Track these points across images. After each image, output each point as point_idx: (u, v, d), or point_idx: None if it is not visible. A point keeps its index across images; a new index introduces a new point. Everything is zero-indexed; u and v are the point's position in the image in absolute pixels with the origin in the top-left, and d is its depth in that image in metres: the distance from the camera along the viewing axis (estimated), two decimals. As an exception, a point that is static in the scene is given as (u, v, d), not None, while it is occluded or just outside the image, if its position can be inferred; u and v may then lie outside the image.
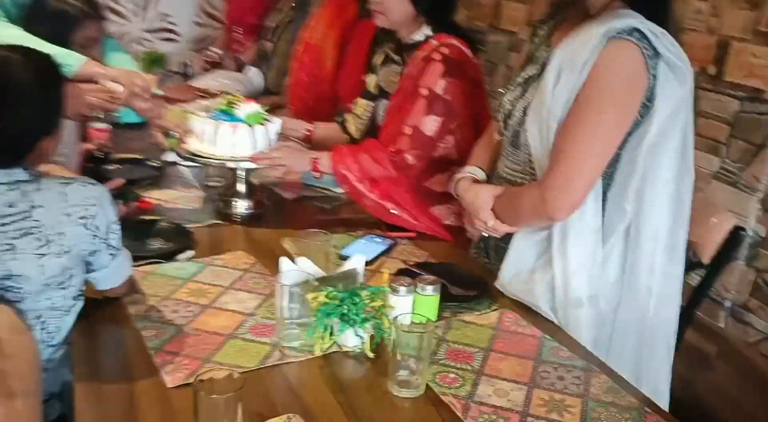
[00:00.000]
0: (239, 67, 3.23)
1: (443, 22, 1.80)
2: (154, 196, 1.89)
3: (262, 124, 1.76)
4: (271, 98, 2.86)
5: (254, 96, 2.92)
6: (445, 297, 1.39)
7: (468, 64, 1.80)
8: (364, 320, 1.21)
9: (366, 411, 1.11)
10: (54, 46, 1.71)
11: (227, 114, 1.77)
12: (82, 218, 1.19)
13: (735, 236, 1.62)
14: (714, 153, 1.98)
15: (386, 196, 1.77)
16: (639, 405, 1.18)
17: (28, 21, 1.88)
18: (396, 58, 1.91)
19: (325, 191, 1.99)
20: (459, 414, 1.11)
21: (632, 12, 1.32)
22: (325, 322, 1.22)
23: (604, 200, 1.41)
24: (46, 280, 1.18)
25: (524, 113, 1.44)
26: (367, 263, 1.48)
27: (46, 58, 1.23)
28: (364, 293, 1.22)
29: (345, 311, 1.21)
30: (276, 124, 1.82)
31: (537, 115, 1.39)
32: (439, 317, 1.37)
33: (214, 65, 3.44)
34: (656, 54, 1.29)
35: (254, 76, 3.06)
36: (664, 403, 1.41)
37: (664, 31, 1.30)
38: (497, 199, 1.50)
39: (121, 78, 1.82)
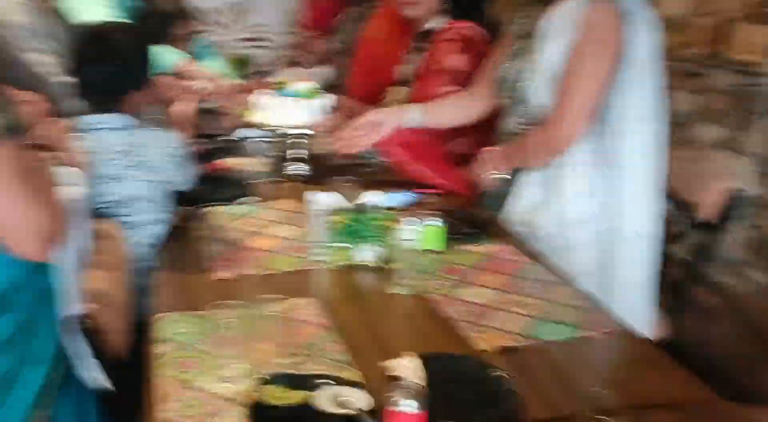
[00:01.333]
0: (314, 64, 3.65)
1: (465, 13, 2.12)
2: (228, 161, 2.30)
3: (316, 98, 2.13)
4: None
5: (326, 90, 3.35)
6: (452, 233, 1.71)
7: (482, 43, 2.10)
8: (370, 237, 1.54)
9: (367, 303, 1.45)
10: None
11: (284, 91, 2.15)
12: (171, 154, 1.62)
13: (735, 197, 1.84)
14: (717, 122, 2.19)
15: (415, 158, 2.10)
16: (587, 309, 1.45)
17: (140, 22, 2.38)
18: (419, 45, 2.25)
19: (368, 159, 2.33)
20: (439, 306, 1.42)
21: None
22: (341, 239, 1.56)
23: (596, 137, 1.69)
24: (149, 198, 1.60)
25: (521, 75, 1.73)
26: (395, 210, 1.81)
27: (140, 34, 1.66)
28: (370, 215, 1.55)
29: (355, 229, 1.54)
30: (329, 98, 2.18)
31: (537, 73, 1.69)
32: (446, 246, 1.69)
33: (294, 64, 3.89)
34: (629, 11, 1.59)
35: (327, 73, 3.46)
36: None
37: None
38: (507, 147, 1.80)
39: (208, 75, 2.26)
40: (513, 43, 1.81)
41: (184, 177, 1.74)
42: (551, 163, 1.73)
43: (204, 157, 2.17)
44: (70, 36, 1.69)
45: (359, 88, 2.87)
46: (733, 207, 1.95)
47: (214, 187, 2.01)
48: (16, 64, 1.76)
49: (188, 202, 1.88)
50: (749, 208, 2.13)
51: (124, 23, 1.74)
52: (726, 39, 2.13)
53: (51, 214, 0.98)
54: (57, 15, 1.99)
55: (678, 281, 2.10)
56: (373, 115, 1.97)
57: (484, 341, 1.28)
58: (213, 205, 1.89)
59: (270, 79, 3.41)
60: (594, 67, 1.62)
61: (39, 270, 1.10)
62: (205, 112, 2.72)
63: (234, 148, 2.46)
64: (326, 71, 3.50)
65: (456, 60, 2.07)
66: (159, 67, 2.28)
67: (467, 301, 1.45)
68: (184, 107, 2.22)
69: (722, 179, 1.96)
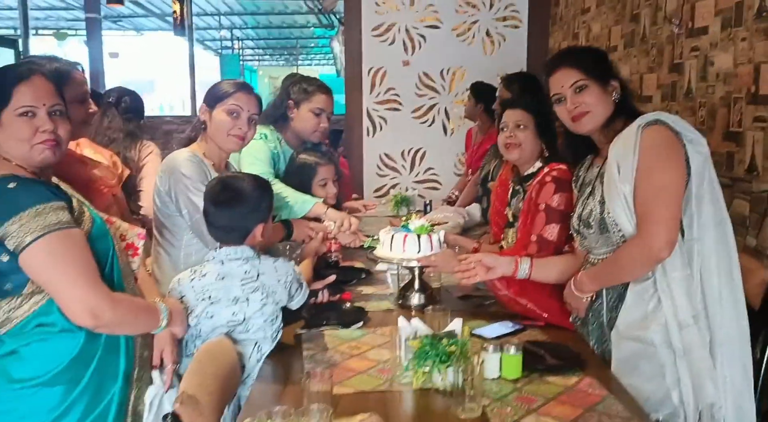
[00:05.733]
0: (465, 203, 3.91)
1: (555, 154, 2.28)
2: (356, 290, 2.55)
3: (428, 235, 2.34)
4: (484, 228, 3.44)
5: (473, 226, 3.57)
6: (535, 363, 1.77)
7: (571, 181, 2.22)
8: (443, 363, 1.65)
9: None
10: (299, 192, 2.63)
11: (405, 227, 2.39)
12: (285, 281, 1.90)
13: None
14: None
15: (520, 293, 2.19)
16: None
17: (285, 176, 2.80)
18: (519, 187, 2.42)
19: (486, 293, 2.44)
20: (498, 432, 1.48)
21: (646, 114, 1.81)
22: (420, 363, 1.68)
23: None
24: (264, 319, 1.88)
25: (602, 207, 1.86)
26: (494, 339, 1.95)
27: (260, 181, 2.02)
28: (447, 341, 1.67)
29: (432, 354, 1.66)
30: (439, 234, 2.37)
31: (616, 200, 1.80)
32: (526, 375, 1.74)
33: (450, 203, 4.18)
34: (677, 132, 1.75)
35: (472, 209, 3.68)
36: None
37: (677, 117, 1.81)
38: (591, 270, 1.91)
39: (336, 218, 2.64)
40: (581, 191, 1.99)
41: (295, 301, 2.00)
42: (648, 275, 1.79)
43: (337, 286, 2.43)
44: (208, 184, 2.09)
45: (495, 226, 3.05)
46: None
47: (333, 312, 2.25)
48: None
49: (308, 324, 2.12)
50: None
51: (249, 175, 2.11)
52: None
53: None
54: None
55: None
56: (487, 258, 2.14)
57: (525, 468, 1.32)
58: (328, 328, 2.12)
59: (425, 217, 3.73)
60: (669, 176, 1.74)
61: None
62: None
63: (366, 279, 2.71)
64: (475, 209, 3.73)
65: (554, 200, 2.20)
66: (298, 211, 2.68)
67: (528, 430, 1.49)
68: (315, 244, 2.53)
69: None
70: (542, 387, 1.70)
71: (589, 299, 1.95)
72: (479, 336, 1.98)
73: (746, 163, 2.47)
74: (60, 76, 1.96)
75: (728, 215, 1.80)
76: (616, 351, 1.86)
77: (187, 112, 10.90)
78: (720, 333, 1.75)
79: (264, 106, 2.50)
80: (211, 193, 1.98)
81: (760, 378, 1.90)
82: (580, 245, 2.01)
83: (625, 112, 1.88)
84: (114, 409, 1.66)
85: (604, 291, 1.92)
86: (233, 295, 1.90)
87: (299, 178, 2.84)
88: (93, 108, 2.25)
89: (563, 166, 2.24)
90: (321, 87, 3.02)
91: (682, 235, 1.77)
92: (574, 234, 2.03)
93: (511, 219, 2.50)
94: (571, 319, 2.09)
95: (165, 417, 1.46)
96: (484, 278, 2.15)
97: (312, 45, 15.69)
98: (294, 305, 2.01)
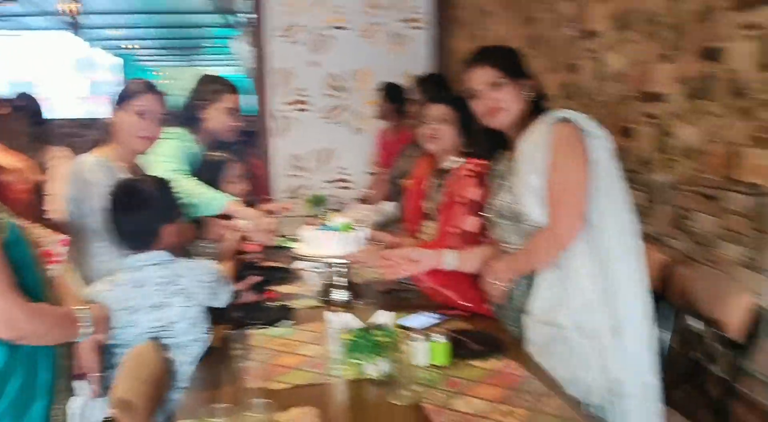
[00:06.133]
0: (379, 201, 3.99)
1: (474, 150, 2.40)
2: (279, 289, 2.57)
3: (350, 232, 2.39)
4: (400, 225, 3.53)
5: (388, 223, 3.65)
6: (459, 349, 1.86)
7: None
8: (376, 353, 1.71)
9: (364, 411, 1.61)
10: (211, 189, 2.59)
11: (326, 226, 2.43)
12: (206, 282, 1.89)
13: (759, 314, 1.90)
14: (736, 242, 2.25)
15: (443, 284, 2.28)
16: (573, 415, 1.53)
17: (197, 172, 2.79)
18: (438, 181, 2.52)
19: (408, 286, 2.52)
20: (430, 415, 1.55)
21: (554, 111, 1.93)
22: (351, 355, 1.74)
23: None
24: (189, 322, 1.87)
25: (514, 199, 1.96)
26: (420, 329, 2.01)
27: (160, 180, 2.03)
28: (376, 333, 1.73)
29: (362, 346, 1.72)
30: (362, 232, 2.43)
31: (526, 192, 1.92)
32: (453, 362, 1.83)
33: (364, 201, 4.25)
34: (582, 129, 1.87)
35: (386, 207, 3.77)
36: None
37: (582, 115, 1.90)
38: (506, 258, 2.01)
39: (249, 216, 2.65)
40: (494, 183, 2.10)
41: (219, 300, 2.00)
42: (556, 262, 1.90)
43: (260, 286, 2.44)
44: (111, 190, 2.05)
45: (410, 221, 3.13)
46: (759, 324, 1.98)
47: (261, 311, 2.26)
48: None
49: (233, 325, 2.13)
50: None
51: (148, 175, 2.11)
52: (737, 164, 2.24)
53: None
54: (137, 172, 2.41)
55: (718, 400, 2.10)
56: (413, 253, 2.22)
57: (460, 445, 1.40)
58: (255, 328, 2.13)
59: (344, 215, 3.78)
60: (575, 170, 1.85)
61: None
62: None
63: (288, 278, 2.74)
64: (389, 206, 3.81)
65: (473, 193, 2.30)
66: (211, 209, 2.67)
67: (458, 411, 1.57)
68: (229, 244, 2.54)
69: (745, 297, 2.01)
70: (468, 371, 1.80)
71: (505, 286, 2.06)
72: (405, 328, 2.06)
73: (639, 156, 2.68)
74: None
75: (632, 204, 1.93)
76: (532, 335, 1.97)
77: (80, 115, 10.44)
78: (626, 314, 1.87)
79: (168, 108, 2.49)
80: (111, 199, 1.95)
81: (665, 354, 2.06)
82: (495, 235, 2.11)
83: (537, 109, 2.00)
84: None
85: (517, 278, 2.04)
86: (152, 302, 1.88)
87: (210, 174, 2.83)
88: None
89: (483, 162, 2.35)
90: (230, 87, 3.03)
91: (588, 224, 1.89)
92: (489, 225, 2.14)
93: (430, 213, 2.59)
94: (489, 306, 2.19)
95: (101, 422, 1.45)
96: (411, 272, 2.22)
97: (214, 45, 15.39)
98: (220, 303, 2.00)
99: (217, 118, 2.97)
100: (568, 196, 1.87)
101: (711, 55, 2.35)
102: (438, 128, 2.49)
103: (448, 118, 2.49)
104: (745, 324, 1.99)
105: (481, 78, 2.00)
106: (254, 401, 1.39)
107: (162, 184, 2.02)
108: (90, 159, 2.29)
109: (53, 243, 1.79)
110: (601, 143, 1.88)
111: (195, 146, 2.97)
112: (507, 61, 2.01)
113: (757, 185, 2.16)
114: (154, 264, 1.90)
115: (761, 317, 1.95)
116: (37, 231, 1.80)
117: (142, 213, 1.93)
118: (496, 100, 1.98)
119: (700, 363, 2.12)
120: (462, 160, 2.45)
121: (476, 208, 2.28)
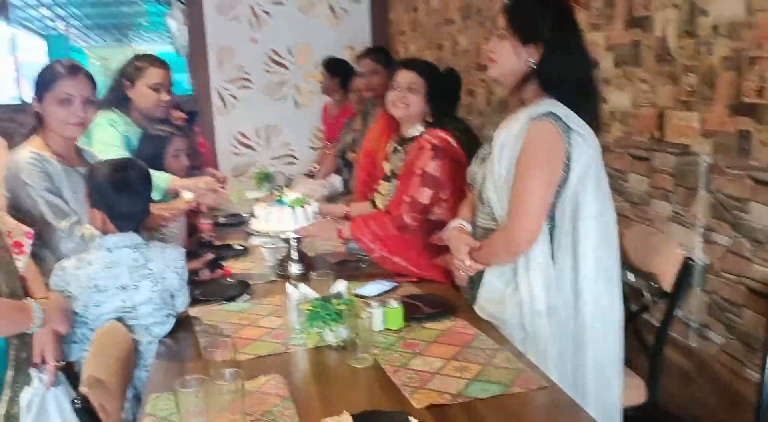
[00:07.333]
0: (325, 175, 4.05)
1: (440, 121, 2.46)
2: (235, 266, 2.62)
3: (302, 207, 2.46)
4: (347, 197, 3.60)
5: (335, 196, 3.72)
6: (414, 313, 1.96)
7: (452, 149, 2.41)
8: (335, 321, 1.80)
9: (326, 376, 1.70)
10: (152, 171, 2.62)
11: (279, 201, 2.49)
12: (175, 268, 1.94)
13: (687, 266, 2.04)
14: (666, 199, 2.41)
15: (394, 251, 2.38)
16: (521, 366, 1.66)
17: (138, 150, 2.79)
18: (400, 148, 2.58)
19: (360, 256, 2.61)
20: (390, 375, 1.65)
21: (553, 101, 1.83)
22: (312, 324, 1.82)
23: (551, 236, 1.89)
24: (154, 306, 1.91)
25: (483, 179, 2.01)
26: (375, 296, 2.13)
27: (141, 163, 2.06)
28: (334, 301, 1.82)
29: (321, 315, 1.80)
30: (314, 206, 2.50)
31: (491, 179, 1.94)
32: (407, 325, 1.93)
33: (310, 176, 4.30)
34: (568, 128, 1.78)
35: (333, 180, 3.83)
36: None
37: (572, 112, 1.79)
38: (479, 247, 1.99)
39: (190, 185, 2.67)
40: (483, 146, 2.06)
41: (183, 297, 2.04)
42: (512, 261, 1.92)
43: (210, 264, 2.49)
44: (92, 173, 2.04)
45: (361, 186, 3.19)
46: (687, 274, 2.13)
47: (216, 287, 2.32)
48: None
49: (194, 302, 2.18)
50: (701, 275, 2.31)
51: (131, 159, 2.13)
52: (664, 126, 2.39)
53: None
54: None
55: (653, 347, 2.26)
56: (316, 229, 2.43)
57: (418, 401, 1.51)
58: (215, 303, 2.19)
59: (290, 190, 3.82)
60: (541, 175, 1.80)
61: None
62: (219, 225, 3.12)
63: (243, 254, 2.79)
64: (336, 180, 3.88)
65: (430, 166, 2.37)
66: (158, 190, 2.66)
67: (417, 370, 1.67)
68: (179, 225, 2.57)
69: (676, 250, 2.15)
70: (422, 333, 1.90)
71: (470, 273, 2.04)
72: (360, 296, 2.15)
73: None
74: None
75: (613, 209, 1.87)
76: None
77: (12, 101, 10.06)
78: (590, 325, 1.85)
79: (98, 90, 2.35)
80: (114, 180, 1.94)
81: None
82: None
83: (543, 82, 1.86)
84: None
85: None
86: (121, 283, 1.91)
87: (153, 149, 2.83)
88: None
89: (443, 134, 2.41)
90: (154, 61, 2.98)
91: (553, 228, 1.86)
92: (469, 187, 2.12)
93: (389, 174, 2.66)
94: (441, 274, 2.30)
95: (73, 401, 1.49)
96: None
97: (144, 22, 14.96)
98: (180, 305, 2.04)
99: (144, 94, 2.93)
100: (530, 200, 1.81)
101: (638, 23, 2.49)
102: (405, 96, 2.53)
103: (416, 87, 2.52)
104: (676, 275, 2.15)
105: (494, 23, 1.94)
106: (224, 371, 1.45)
107: (144, 166, 2.06)
108: (24, 155, 2.18)
109: (21, 234, 1.80)
110: (587, 141, 1.81)
111: (132, 128, 2.94)
112: (518, 18, 1.88)
113: (682, 145, 2.32)
114: (128, 247, 1.93)
115: (689, 267, 2.10)
116: (9, 222, 1.81)
117: (143, 194, 1.98)
118: (491, 51, 1.92)
119: (636, 314, 2.27)
120: (424, 130, 2.51)
121: (431, 181, 2.36)
